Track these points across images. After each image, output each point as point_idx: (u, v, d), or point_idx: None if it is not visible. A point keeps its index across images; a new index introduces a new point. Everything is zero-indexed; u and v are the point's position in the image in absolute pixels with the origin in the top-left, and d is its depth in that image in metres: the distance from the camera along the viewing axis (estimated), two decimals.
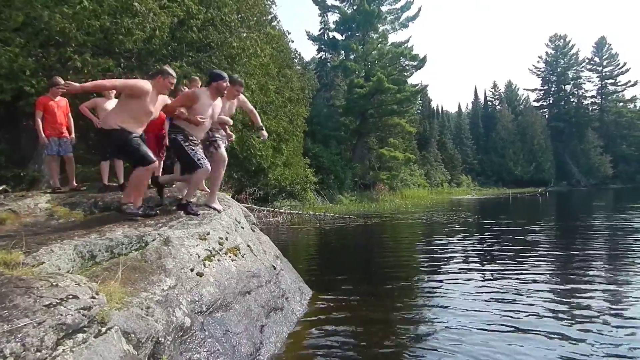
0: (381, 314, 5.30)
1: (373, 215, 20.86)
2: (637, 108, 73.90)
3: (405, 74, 39.38)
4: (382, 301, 5.92)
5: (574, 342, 4.22)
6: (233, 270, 4.43)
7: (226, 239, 4.86)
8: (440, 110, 70.62)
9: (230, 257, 4.62)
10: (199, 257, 4.17)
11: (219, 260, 4.38)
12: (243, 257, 4.88)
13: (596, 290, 6.19)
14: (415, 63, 38.89)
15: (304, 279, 6.58)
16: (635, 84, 72.95)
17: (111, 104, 6.76)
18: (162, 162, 7.13)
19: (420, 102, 56.23)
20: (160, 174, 7.03)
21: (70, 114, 6.79)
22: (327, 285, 6.89)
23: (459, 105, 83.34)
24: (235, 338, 3.67)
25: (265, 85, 16.91)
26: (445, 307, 5.54)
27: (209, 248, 4.43)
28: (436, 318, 5.11)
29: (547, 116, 76.90)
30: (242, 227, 5.68)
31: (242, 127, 16.30)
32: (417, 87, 40.12)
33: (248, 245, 5.28)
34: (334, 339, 4.48)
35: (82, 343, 2.37)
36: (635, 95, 74.44)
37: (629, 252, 9.12)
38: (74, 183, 6.74)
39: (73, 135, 6.79)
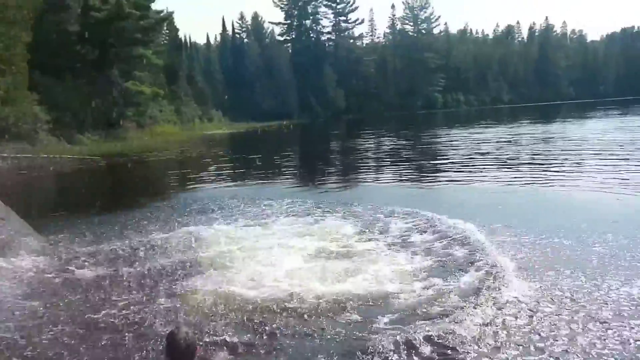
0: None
1: (120, 155, 19.97)
2: (364, 45, 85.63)
3: None
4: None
5: None
6: None
7: None
8: (188, 41, 68.55)
9: None
10: None
11: None
12: None
13: None
14: None
15: (37, 223, 6.39)
16: (362, 22, 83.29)
17: None
18: None
19: (167, 31, 53.62)
20: None
21: None
22: (64, 227, 6.82)
23: (207, 37, 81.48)
24: None
25: None
26: None
27: None
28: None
29: (290, 50, 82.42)
30: None
31: None
32: (162, 14, 38.14)
33: None
34: (68, 280, 4.71)
35: None
36: (362, 33, 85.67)
37: None
38: None
39: None
